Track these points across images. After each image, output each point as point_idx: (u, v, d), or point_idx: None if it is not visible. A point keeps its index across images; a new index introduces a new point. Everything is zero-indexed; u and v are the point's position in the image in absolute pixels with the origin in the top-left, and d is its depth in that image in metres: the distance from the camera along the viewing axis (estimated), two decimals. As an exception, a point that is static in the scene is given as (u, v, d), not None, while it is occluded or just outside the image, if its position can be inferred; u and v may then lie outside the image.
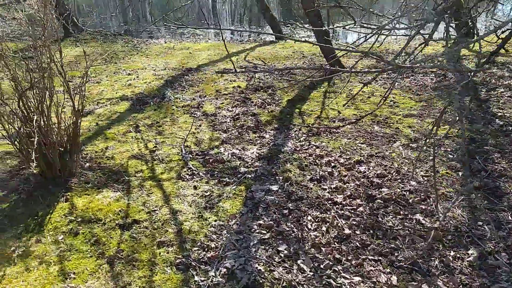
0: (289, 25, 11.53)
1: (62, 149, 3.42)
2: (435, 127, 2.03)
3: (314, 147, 4.06)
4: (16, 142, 3.34)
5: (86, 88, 3.64)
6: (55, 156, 3.38)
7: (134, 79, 6.87)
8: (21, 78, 3.20)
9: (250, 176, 3.56)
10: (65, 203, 3.21)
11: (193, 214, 3.05)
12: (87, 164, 3.81)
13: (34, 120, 3.02)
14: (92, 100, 5.79)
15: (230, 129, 4.66)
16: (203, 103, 5.58)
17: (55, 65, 3.34)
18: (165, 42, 10.69)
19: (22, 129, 3.26)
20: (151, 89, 6.25)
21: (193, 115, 5.18)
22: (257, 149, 4.11)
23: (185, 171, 3.65)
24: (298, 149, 4.05)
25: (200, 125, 4.80)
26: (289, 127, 4.67)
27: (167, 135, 4.53)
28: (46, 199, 3.26)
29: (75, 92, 3.52)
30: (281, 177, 3.50)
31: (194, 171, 3.62)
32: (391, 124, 4.63)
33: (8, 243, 2.80)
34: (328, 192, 3.26)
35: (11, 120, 3.26)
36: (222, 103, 5.54)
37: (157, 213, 3.06)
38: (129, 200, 3.22)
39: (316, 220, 2.90)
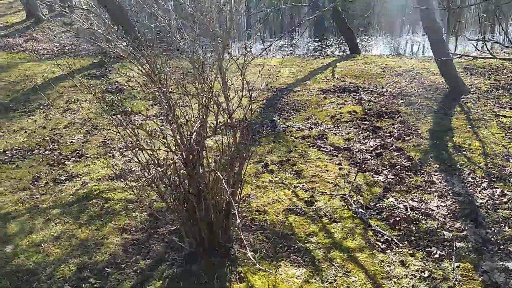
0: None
1: (225, 208, 2.68)
2: None
3: (518, 200, 3.18)
4: (169, 200, 2.63)
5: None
6: (218, 218, 2.64)
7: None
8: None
9: (462, 245, 2.71)
10: (240, 284, 2.45)
11: (426, 309, 2.22)
12: (238, 221, 3.05)
13: (217, 180, 2.27)
14: (191, 129, 5.10)
15: (380, 170, 3.83)
16: (325, 133, 4.78)
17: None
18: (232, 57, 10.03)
19: (187, 187, 2.54)
20: (253, 115, 5.51)
21: (321, 149, 4.38)
22: (439, 200, 3.26)
23: (372, 236, 2.83)
24: (496, 202, 3.18)
25: (340, 163, 4.00)
26: (455, 168, 3.79)
27: (309, 177, 3.74)
28: (212, 276, 2.50)
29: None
30: (510, 249, 2.64)
31: (386, 236, 2.80)
32: None
33: None
34: None
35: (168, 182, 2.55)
36: (348, 133, 4.73)
37: (374, 307, 2.25)
38: (323, 282, 2.43)
39: None
